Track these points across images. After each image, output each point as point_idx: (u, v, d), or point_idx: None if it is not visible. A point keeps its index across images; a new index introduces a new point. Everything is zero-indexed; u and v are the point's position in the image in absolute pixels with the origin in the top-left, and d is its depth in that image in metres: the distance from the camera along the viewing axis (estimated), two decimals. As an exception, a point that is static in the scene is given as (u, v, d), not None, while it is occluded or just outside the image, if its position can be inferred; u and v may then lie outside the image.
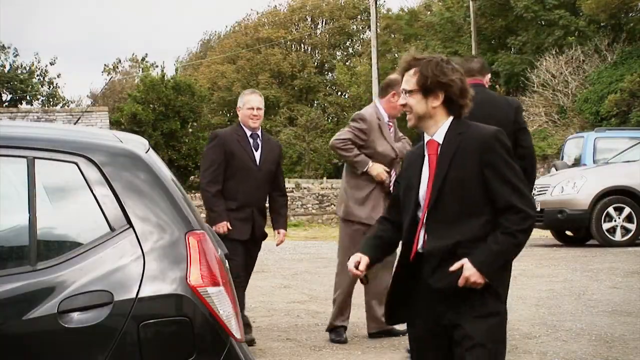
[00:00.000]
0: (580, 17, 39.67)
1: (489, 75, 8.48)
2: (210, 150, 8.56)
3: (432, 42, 48.25)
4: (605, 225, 17.32)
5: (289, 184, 43.32)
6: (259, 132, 8.74)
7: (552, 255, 16.65)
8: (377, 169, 8.64)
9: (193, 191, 40.28)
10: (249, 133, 8.61)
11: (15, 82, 51.84)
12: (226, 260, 4.83)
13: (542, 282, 12.87)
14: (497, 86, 44.02)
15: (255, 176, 8.49)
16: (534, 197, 19.35)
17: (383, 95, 8.89)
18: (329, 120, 60.94)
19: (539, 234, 20.15)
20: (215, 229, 7.97)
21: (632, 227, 17.38)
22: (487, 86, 8.21)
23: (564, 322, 9.80)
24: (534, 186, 19.73)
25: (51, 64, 55.45)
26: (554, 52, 38.88)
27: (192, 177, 49.43)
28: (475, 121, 6.92)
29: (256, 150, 8.58)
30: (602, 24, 38.98)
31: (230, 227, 8.31)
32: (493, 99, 8.15)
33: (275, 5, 70.03)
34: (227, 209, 8.41)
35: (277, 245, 9.18)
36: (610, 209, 17.34)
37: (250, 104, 8.58)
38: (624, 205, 17.31)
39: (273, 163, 8.78)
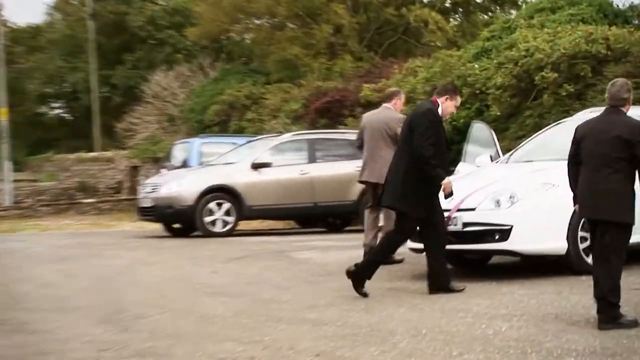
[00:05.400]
0: (187, 38, 26.23)
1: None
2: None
3: (55, 56, 31.14)
4: (208, 219, 11.33)
5: None
6: None
7: (162, 245, 11.17)
8: None
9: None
10: None
11: None
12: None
13: (154, 269, 8.75)
14: (115, 97, 29.43)
15: None
16: (147, 196, 12.58)
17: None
18: None
19: (152, 227, 13.11)
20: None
21: (231, 220, 11.45)
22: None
23: (173, 303, 6.59)
24: (147, 185, 13.07)
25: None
26: (164, 68, 25.10)
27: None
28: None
29: None
30: (205, 46, 25.87)
31: None
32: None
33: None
34: None
35: None
36: (212, 204, 11.34)
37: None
38: (223, 201, 11.35)
39: None
